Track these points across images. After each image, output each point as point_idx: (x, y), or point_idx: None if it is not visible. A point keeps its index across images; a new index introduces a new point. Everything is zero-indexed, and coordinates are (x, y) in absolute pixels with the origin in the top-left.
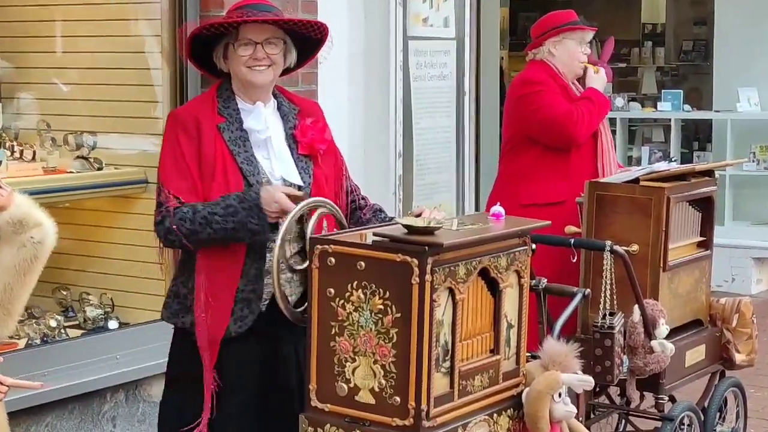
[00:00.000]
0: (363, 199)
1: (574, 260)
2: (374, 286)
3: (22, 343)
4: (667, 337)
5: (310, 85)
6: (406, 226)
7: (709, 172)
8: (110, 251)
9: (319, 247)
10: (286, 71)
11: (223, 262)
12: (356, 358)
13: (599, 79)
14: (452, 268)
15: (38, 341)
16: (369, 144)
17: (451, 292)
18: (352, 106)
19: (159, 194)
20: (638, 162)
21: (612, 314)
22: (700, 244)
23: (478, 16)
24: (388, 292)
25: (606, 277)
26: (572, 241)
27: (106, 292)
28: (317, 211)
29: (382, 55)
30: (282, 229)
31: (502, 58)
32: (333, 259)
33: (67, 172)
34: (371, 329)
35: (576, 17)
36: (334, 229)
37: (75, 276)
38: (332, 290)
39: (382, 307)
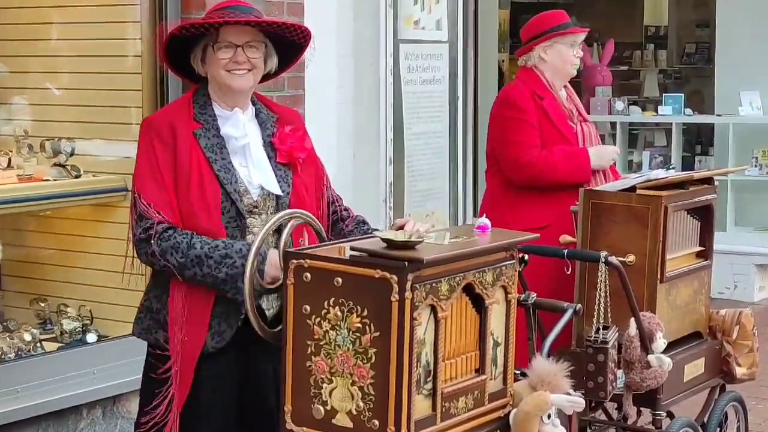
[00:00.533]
0: (345, 210)
1: (569, 272)
2: (352, 303)
3: None
4: (665, 351)
5: (296, 90)
6: (385, 240)
7: (708, 180)
8: (89, 261)
9: (294, 261)
10: (266, 76)
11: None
12: (333, 378)
13: (604, 157)
14: (434, 284)
15: (12, 356)
16: (359, 150)
17: (433, 309)
18: (341, 111)
19: (135, 204)
20: (638, 167)
21: (606, 328)
22: (699, 254)
23: (475, 18)
24: (366, 310)
25: (600, 289)
26: (566, 252)
27: (85, 303)
28: (290, 223)
29: (372, 58)
30: (255, 242)
31: (503, 60)
32: (309, 275)
33: (43, 180)
34: (349, 348)
35: (567, 18)
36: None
37: (53, 287)
38: (308, 307)
39: (360, 325)
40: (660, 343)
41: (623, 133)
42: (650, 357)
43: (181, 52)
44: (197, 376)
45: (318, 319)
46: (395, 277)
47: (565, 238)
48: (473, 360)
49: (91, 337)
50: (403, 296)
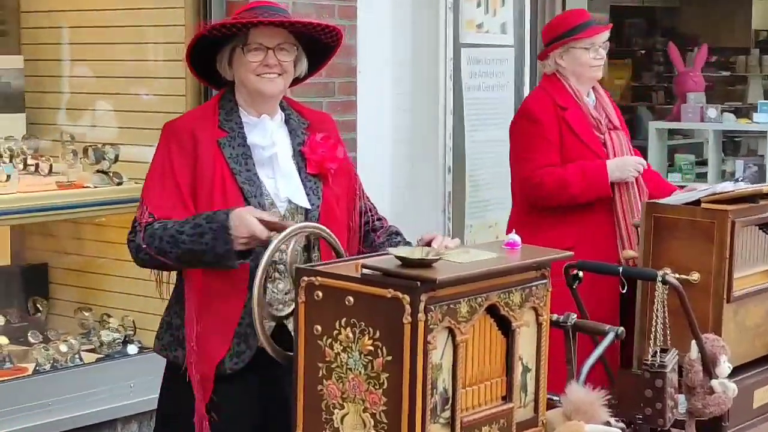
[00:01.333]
0: (379, 220)
1: (623, 291)
2: (364, 324)
3: (30, 368)
4: (732, 375)
5: (348, 96)
6: (399, 258)
7: None
8: (134, 270)
9: (305, 278)
10: (295, 80)
11: (222, 291)
12: (345, 404)
13: (625, 169)
14: (452, 305)
15: (47, 367)
16: (417, 158)
17: (451, 332)
18: (398, 118)
19: (140, 212)
20: (732, 176)
21: (664, 351)
22: None
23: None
24: (378, 332)
25: (658, 309)
26: (621, 269)
27: (129, 314)
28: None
29: (431, 64)
30: (263, 261)
31: None
32: (320, 293)
33: (84, 187)
34: (360, 373)
35: (583, 19)
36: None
37: (98, 296)
38: (319, 327)
39: (372, 348)
40: (724, 367)
41: (716, 142)
42: (713, 382)
43: (205, 56)
44: (214, 398)
45: (329, 340)
46: (407, 298)
47: (628, 253)
48: (500, 386)
49: (132, 349)
50: (416, 318)
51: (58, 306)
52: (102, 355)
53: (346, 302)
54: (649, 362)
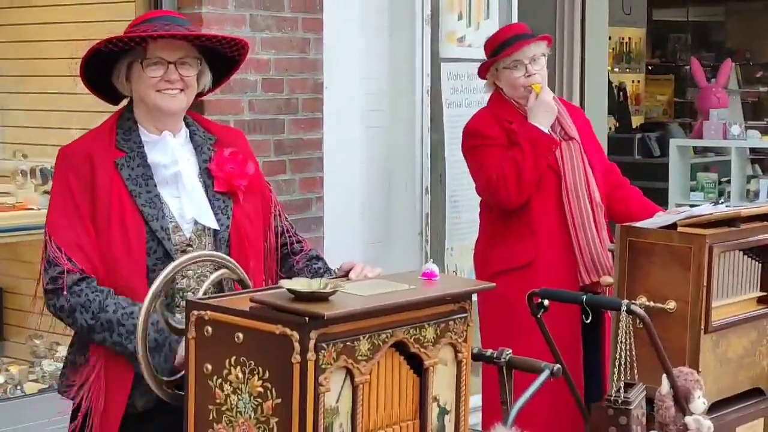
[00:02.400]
0: (299, 242)
1: (588, 321)
2: (253, 363)
3: None
4: (712, 411)
5: (313, 113)
6: (291, 291)
7: (766, 216)
8: None
9: (195, 313)
10: (198, 95)
11: None
12: None
13: (539, 106)
14: (349, 343)
15: None
16: (394, 178)
17: (350, 372)
18: (371, 135)
19: (46, 247)
20: (756, 195)
21: (630, 385)
22: (760, 300)
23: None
24: (267, 372)
25: (622, 341)
26: (584, 297)
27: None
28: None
29: (407, 79)
30: (149, 295)
31: (637, 81)
32: (210, 329)
33: (28, 209)
34: (250, 416)
35: (511, 33)
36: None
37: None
38: (209, 366)
39: (261, 390)
40: (699, 403)
41: (740, 160)
42: (687, 419)
43: (103, 69)
44: None
45: (219, 381)
46: (296, 335)
47: (606, 279)
48: (412, 430)
49: None
50: (305, 357)
51: (12, 332)
52: (45, 386)
53: (236, 339)
54: (612, 398)
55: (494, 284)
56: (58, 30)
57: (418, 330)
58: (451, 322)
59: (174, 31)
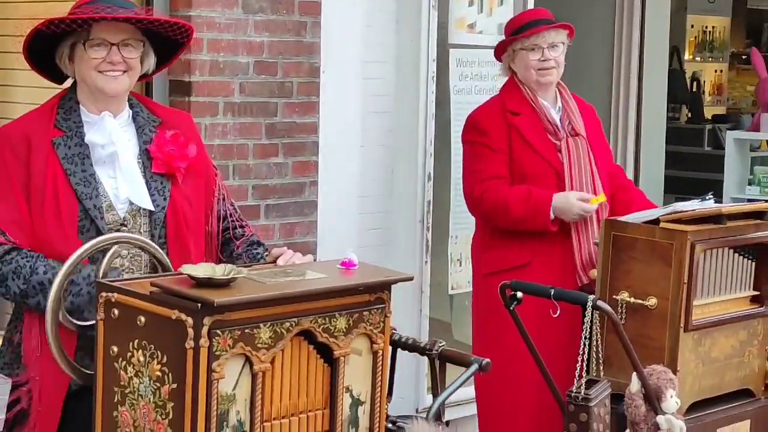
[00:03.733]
0: (242, 227)
1: (555, 315)
2: (153, 347)
3: None
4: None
5: (309, 97)
6: (191, 277)
7: (760, 214)
8: None
9: (103, 294)
10: (141, 77)
11: None
12: None
13: (570, 210)
14: (248, 330)
15: None
16: (396, 165)
17: (248, 360)
18: (371, 121)
19: None
20: None
21: (594, 382)
22: (753, 299)
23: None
24: (165, 357)
25: (587, 337)
26: (552, 291)
27: None
28: (112, 249)
29: (412, 65)
30: (59, 276)
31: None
32: (116, 311)
33: None
34: (150, 400)
35: (533, 17)
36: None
37: None
38: (115, 348)
39: (159, 374)
40: (671, 402)
41: None
42: (659, 418)
43: (48, 49)
44: (65, 416)
45: (124, 363)
46: (190, 320)
47: (594, 273)
48: (321, 420)
49: None
50: (198, 343)
51: None
52: None
53: (138, 322)
54: (573, 394)
55: (411, 276)
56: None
57: (327, 319)
58: (366, 313)
59: (117, 14)
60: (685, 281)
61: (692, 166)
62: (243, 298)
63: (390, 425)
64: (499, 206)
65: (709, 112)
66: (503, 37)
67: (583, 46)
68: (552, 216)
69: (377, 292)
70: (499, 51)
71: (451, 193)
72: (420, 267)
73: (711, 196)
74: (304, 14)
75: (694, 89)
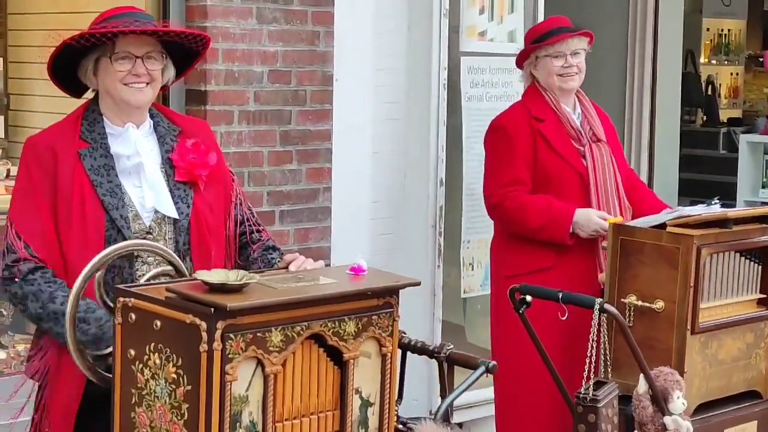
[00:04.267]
0: (258, 231)
1: (564, 318)
2: (169, 350)
3: None
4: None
5: (322, 105)
6: (204, 282)
7: (767, 218)
8: None
9: (121, 300)
10: (162, 88)
11: None
12: None
13: (588, 227)
14: (260, 334)
15: None
16: (408, 171)
17: (260, 362)
18: (385, 127)
19: (7, 232)
20: None
21: (602, 383)
22: (760, 302)
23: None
24: (180, 360)
25: (594, 339)
26: (560, 295)
27: None
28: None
29: (423, 72)
30: (77, 283)
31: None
32: (134, 315)
33: None
34: (166, 402)
35: (557, 25)
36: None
37: None
38: (132, 351)
39: (175, 376)
40: (678, 403)
41: None
42: (666, 419)
43: (67, 63)
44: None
45: (141, 366)
46: (204, 324)
47: (603, 277)
48: (331, 421)
49: None
50: (211, 346)
51: None
52: None
53: (154, 326)
54: (581, 395)
55: (419, 281)
56: (57, 19)
57: (337, 323)
58: (375, 317)
59: (144, 27)
60: (692, 284)
61: (707, 169)
62: (255, 302)
63: (400, 426)
64: (517, 214)
65: (725, 115)
66: (514, 45)
67: (597, 50)
68: (571, 229)
69: (385, 297)
70: (522, 58)
71: (463, 198)
72: (432, 271)
73: (717, 201)
74: (317, 24)
75: (709, 92)
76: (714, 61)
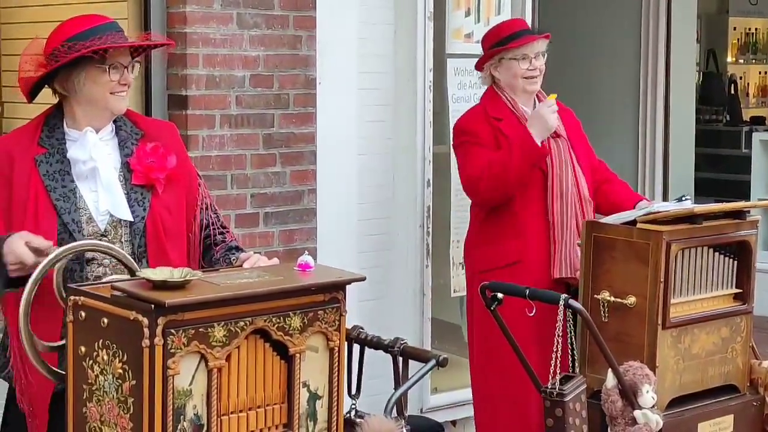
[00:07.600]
0: (221, 233)
1: (531, 314)
2: (115, 347)
3: None
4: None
5: (305, 108)
6: (147, 280)
7: (739, 213)
8: None
9: (72, 298)
10: None
11: (39, 314)
12: (103, 428)
13: (540, 119)
14: (202, 329)
15: None
16: (398, 172)
17: (204, 357)
18: (370, 129)
19: None
20: None
21: (569, 378)
22: (737, 297)
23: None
24: (126, 355)
25: (559, 335)
26: (527, 291)
27: None
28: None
29: (409, 74)
30: (29, 282)
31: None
32: (83, 313)
33: None
34: (113, 396)
35: (517, 28)
36: None
37: None
38: (83, 348)
39: (121, 371)
40: (647, 397)
41: None
42: (635, 413)
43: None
44: (55, 418)
45: (91, 362)
46: (146, 320)
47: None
48: (278, 413)
49: None
50: (153, 342)
51: None
52: None
53: (102, 324)
54: (548, 390)
55: (364, 276)
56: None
57: (282, 318)
58: (321, 312)
59: (144, 42)
60: (662, 280)
61: (732, 169)
62: (194, 298)
63: (359, 420)
64: (500, 165)
65: (754, 114)
66: None
67: (610, 49)
68: (538, 142)
69: (332, 292)
70: (485, 60)
71: (451, 198)
72: (421, 271)
73: (688, 197)
74: (299, 28)
75: (732, 92)
76: (741, 60)
